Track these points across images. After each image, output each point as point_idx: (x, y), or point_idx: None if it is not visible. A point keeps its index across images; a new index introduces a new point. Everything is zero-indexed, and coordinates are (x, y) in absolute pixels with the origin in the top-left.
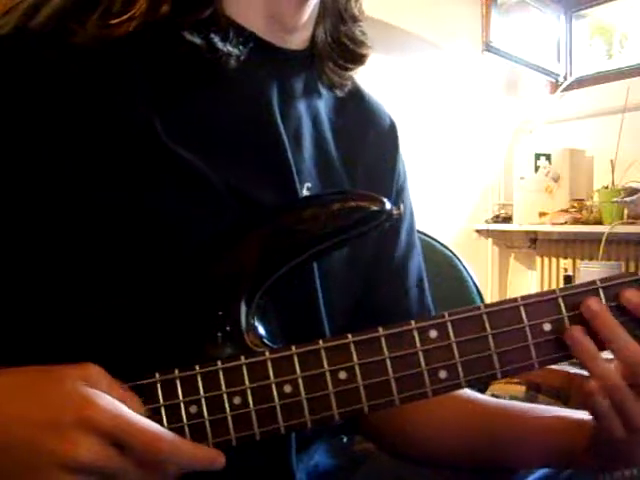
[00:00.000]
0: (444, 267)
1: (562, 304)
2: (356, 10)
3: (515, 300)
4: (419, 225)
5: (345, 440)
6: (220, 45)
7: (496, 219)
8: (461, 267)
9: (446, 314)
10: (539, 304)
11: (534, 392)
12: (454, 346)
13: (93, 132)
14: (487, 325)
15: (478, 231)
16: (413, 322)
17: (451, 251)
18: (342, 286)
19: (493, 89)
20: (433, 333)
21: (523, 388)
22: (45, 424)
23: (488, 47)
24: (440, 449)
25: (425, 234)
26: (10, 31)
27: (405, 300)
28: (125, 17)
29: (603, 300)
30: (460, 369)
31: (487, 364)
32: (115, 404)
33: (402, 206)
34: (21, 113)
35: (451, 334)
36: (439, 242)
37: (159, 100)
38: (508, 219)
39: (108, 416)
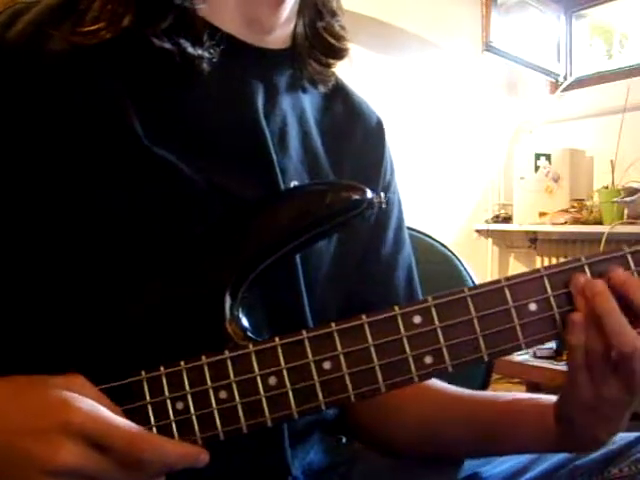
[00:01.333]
0: (444, 267)
1: (547, 283)
2: (334, 4)
3: (499, 282)
4: (419, 225)
5: (344, 441)
6: (190, 50)
7: (496, 219)
8: (461, 267)
9: (430, 298)
10: (524, 284)
11: (534, 392)
12: (439, 331)
13: (74, 138)
14: (472, 308)
15: (478, 231)
16: (397, 308)
17: (451, 251)
18: (331, 283)
19: (493, 89)
20: (417, 318)
21: (523, 388)
22: (26, 430)
23: (488, 47)
24: (422, 442)
25: (425, 234)
26: None
27: (393, 297)
28: (101, 25)
29: (589, 276)
30: (446, 354)
31: (474, 347)
32: (95, 406)
33: (383, 195)
34: (2, 123)
35: (435, 319)
36: (439, 242)
37: (139, 104)
38: (508, 219)
39: (88, 419)
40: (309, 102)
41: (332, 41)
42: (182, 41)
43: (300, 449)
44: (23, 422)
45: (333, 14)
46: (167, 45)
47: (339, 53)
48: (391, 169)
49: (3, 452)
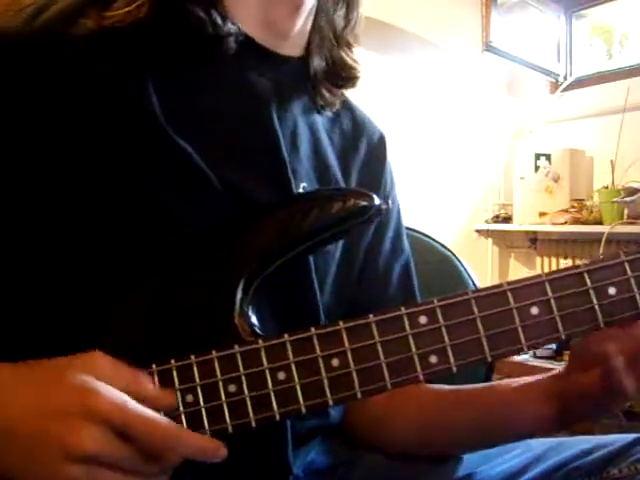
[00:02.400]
0: (444, 267)
1: (548, 288)
2: (351, 37)
3: (502, 285)
4: (419, 225)
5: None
6: (219, 21)
7: (496, 219)
8: (461, 267)
9: (435, 300)
10: (526, 288)
11: None
12: (444, 331)
13: (95, 122)
14: (475, 310)
15: (478, 231)
16: (403, 308)
17: (451, 251)
18: (337, 288)
19: (493, 89)
20: (423, 319)
21: None
22: (49, 414)
23: (488, 47)
24: (423, 444)
25: (425, 234)
26: (14, 30)
27: (388, 304)
28: (133, 6)
29: (588, 283)
30: (450, 353)
31: (477, 348)
32: (119, 394)
33: (391, 203)
34: (22, 108)
35: (440, 319)
36: (439, 242)
37: (162, 92)
38: (508, 219)
39: (112, 406)
40: (319, 116)
41: (343, 72)
42: (212, 11)
43: (302, 449)
44: (47, 406)
45: (348, 45)
46: (202, 14)
47: (349, 82)
48: (391, 181)
49: (26, 436)
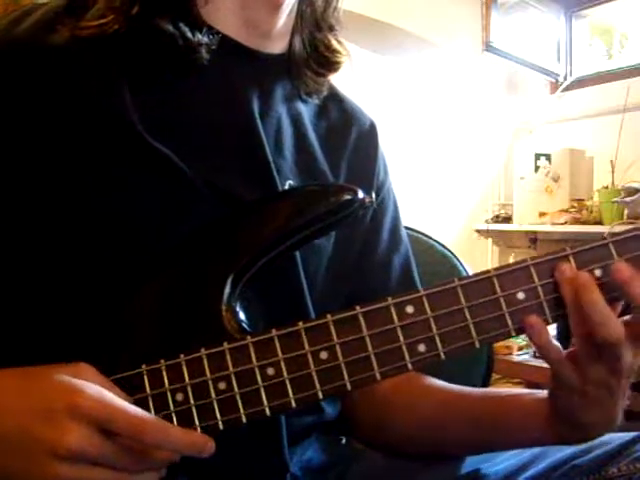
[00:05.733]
0: (444, 267)
1: (534, 272)
2: (333, 19)
3: (488, 272)
4: (419, 225)
5: (343, 442)
6: (189, 34)
7: (496, 219)
8: (461, 267)
9: (421, 289)
10: (511, 274)
11: None
12: (431, 320)
13: (74, 129)
14: (462, 297)
15: (478, 231)
16: (390, 298)
17: (450, 251)
18: (331, 282)
19: (493, 89)
20: (410, 308)
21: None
22: (35, 413)
23: (488, 47)
24: (424, 441)
25: (425, 234)
26: None
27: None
28: (110, 18)
29: (574, 266)
30: (438, 341)
31: (465, 335)
32: (103, 392)
33: (374, 195)
34: (2, 116)
35: (427, 308)
36: (438, 242)
37: (138, 97)
38: (508, 219)
39: (96, 404)
40: (305, 107)
41: (327, 55)
42: (181, 25)
43: (298, 447)
44: (32, 405)
45: (331, 28)
46: (171, 29)
47: (334, 66)
48: (384, 170)
49: (12, 434)
